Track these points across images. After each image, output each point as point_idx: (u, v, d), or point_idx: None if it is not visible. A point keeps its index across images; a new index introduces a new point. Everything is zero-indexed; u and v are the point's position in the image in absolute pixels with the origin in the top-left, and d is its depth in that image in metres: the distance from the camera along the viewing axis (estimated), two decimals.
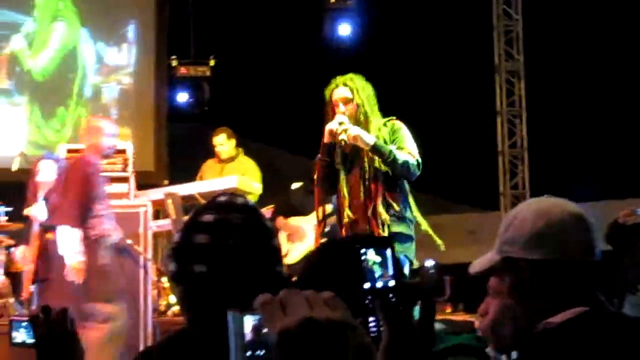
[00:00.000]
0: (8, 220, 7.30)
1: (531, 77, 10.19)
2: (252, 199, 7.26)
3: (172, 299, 7.11)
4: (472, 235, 10.39)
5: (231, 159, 7.75)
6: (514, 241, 1.82)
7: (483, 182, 10.50)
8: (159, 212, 7.23)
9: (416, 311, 1.47)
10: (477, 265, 1.91)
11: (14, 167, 7.50)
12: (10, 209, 7.27)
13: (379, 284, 1.35)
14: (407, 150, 4.65)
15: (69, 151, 7.11)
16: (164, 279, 7.33)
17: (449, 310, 7.42)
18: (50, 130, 10.30)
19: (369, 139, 4.51)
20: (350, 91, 4.70)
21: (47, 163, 5.82)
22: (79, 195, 5.43)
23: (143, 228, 6.66)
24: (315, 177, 4.83)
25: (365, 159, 4.59)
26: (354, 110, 4.66)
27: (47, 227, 5.61)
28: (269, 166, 7.97)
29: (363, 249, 1.36)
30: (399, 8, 10.18)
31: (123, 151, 7.08)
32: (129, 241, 6.62)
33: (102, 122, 5.94)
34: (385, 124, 4.74)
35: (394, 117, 4.81)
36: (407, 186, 4.72)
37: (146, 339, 6.39)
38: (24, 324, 1.84)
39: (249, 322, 1.05)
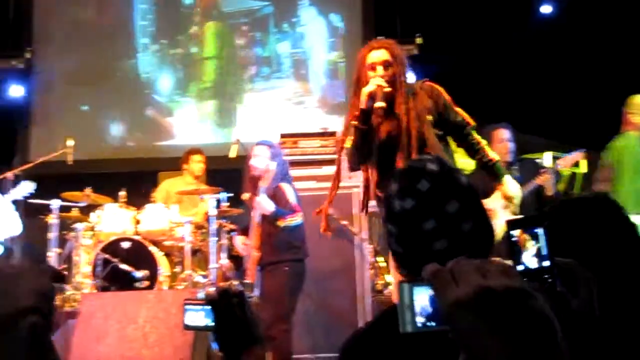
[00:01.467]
0: (229, 206, 7.63)
1: None
2: None
3: (389, 278, 7.13)
4: None
5: None
6: None
7: None
8: None
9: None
10: None
11: (232, 154, 7.81)
12: (230, 194, 7.59)
13: (533, 265, 1.27)
14: (461, 113, 4.43)
15: (283, 136, 7.30)
16: (380, 259, 7.36)
17: None
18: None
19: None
20: (391, 55, 4.38)
21: (261, 148, 5.95)
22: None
23: (357, 209, 6.73)
24: (346, 146, 4.44)
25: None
26: (391, 75, 4.34)
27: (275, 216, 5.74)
28: None
29: (512, 230, 1.30)
30: None
31: (333, 134, 7.18)
32: (344, 222, 6.71)
33: None
34: (423, 87, 4.44)
35: (425, 80, 4.49)
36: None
37: (365, 317, 6.47)
38: (199, 307, 1.82)
39: (420, 293, 1.03)
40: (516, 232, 1.29)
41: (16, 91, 10.32)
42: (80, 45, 10.74)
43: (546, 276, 1.25)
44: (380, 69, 4.32)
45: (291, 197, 5.85)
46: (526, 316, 0.90)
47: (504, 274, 0.94)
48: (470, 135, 4.48)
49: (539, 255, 1.27)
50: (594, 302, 1.42)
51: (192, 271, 7.50)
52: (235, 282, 7.25)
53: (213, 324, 1.77)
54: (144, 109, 10.78)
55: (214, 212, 7.54)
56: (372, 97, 4.22)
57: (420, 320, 1.03)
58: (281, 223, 5.68)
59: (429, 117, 4.33)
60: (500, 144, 6.43)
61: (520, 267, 1.27)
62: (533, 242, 1.28)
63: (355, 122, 4.29)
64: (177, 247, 7.76)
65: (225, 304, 1.76)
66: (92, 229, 7.90)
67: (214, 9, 10.95)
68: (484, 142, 4.52)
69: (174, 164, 8.92)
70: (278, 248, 5.71)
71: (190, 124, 10.72)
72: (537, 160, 7.08)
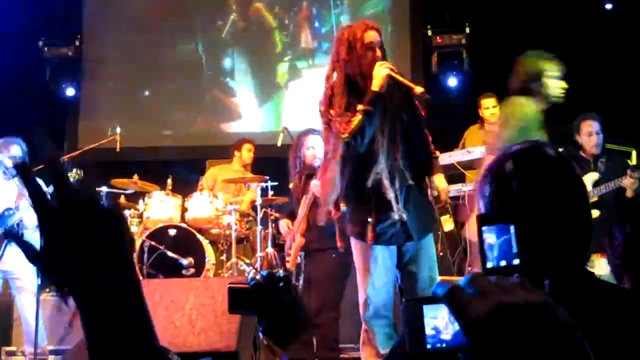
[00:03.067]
0: (274, 194, 7.64)
1: None
2: None
3: None
4: None
5: (494, 125, 7.63)
6: None
7: None
8: None
9: None
10: None
11: (279, 142, 7.81)
12: (275, 183, 7.60)
13: (502, 263, 1.25)
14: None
15: None
16: None
17: None
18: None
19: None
20: (380, 37, 4.25)
21: (316, 139, 5.86)
22: None
23: None
24: (345, 128, 4.18)
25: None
26: (383, 58, 4.20)
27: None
28: None
29: (483, 226, 1.27)
30: None
31: None
32: None
33: None
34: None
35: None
36: None
37: None
38: (244, 291, 1.80)
39: (431, 312, 1.02)
40: (487, 228, 1.27)
41: (66, 79, 10.40)
42: (129, 33, 10.81)
43: (516, 275, 1.23)
44: (378, 50, 4.20)
45: None
46: (550, 331, 0.88)
47: (524, 289, 0.91)
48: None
49: (509, 252, 1.25)
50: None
51: (237, 259, 7.52)
52: (281, 271, 7.26)
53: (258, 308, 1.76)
54: (193, 98, 10.81)
55: (259, 200, 7.56)
56: (392, 77, 4.11)
57: (430, 340, 1.01)
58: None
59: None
60: (588, 137, 6.25)
61: (490, 264, 1.24)
62: (502, 240, 1.26)
63: (366, 107, 4.11)
64: (223, 235, 7.79)
65: (271, 288, 1.75)
66: (139, 216, 7.97)
67: None
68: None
69: (221, 152, 8.96)
70: (325, 235, 5.69)
71: (236, 114, 10.73)
72: (626, 160, 6.81)
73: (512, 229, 1.26)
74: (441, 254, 6.76)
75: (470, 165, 7.18)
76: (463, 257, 6.84)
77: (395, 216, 4.14)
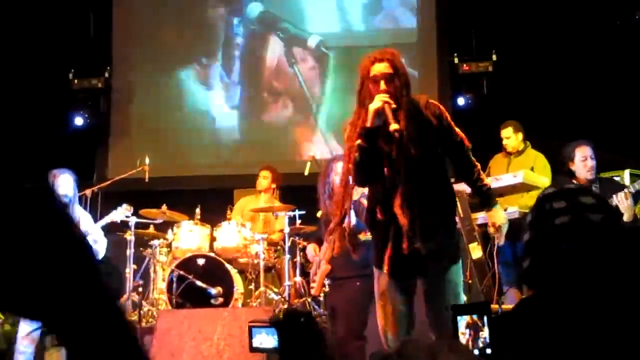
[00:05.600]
0: (301, 223, 7.65)
1: None
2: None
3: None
4: None
5: (518, 153, 7.62)
6: None
7: None
8: None
9: None
10: None
11: (306, 171, 7.83)
12: (303, 212, 7.61)
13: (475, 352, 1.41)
14: (461, 134, 4.25)
15: None
16: None
17: None
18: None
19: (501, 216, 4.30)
20: (393, 68, 4.13)
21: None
22: None
23: None
24: (344, 165, 4.21)
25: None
26: (393, 89, 4.09)
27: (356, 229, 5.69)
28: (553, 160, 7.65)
29: (459, 316, 1.40)
30: None
31: None
32: None
33: None
34: (427, 105, 4.18)
35: (428, 97, 4.25)
36: None
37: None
38: (264, 329, 1.81)
39: None
40: (465, 318, 1.35)
41: (95, 110, 10.52)
42: (157, 63, 10.94)
43: None
44: (382, 83, 4.12)
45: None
46: None
47: (453, 352, 0.92)
48: (468, 157, 4.31)
49: (484, 345, 1.34)
50: None
51: (266, 288, 7.53)
52: (309, 299, 7.25)
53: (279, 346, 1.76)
54: (219, 127, 10.88)
55: (287, 229, 7.57)
56: (378, 114, 4.05)
57: None
58: (362, 237, 5.64)
59: (431, 137, 4.19)
60: (583, 162, 6.31)
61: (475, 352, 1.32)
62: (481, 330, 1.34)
63: (359, 141, 4.07)
64: (251, 264, 7.81)
65: (290, 325, 1.75)
66: (168, 245, 8.02)
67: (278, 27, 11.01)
68: (479, 166, 4.36)
69: (249, 181, 8.99)
70: (351, 262, 5.68)
71: (264, 142, 10.77)
72: (616, 178, 6.90)
73: (485, 319, 1.32)
74: (469, 281, 6.70)
75: (500, 192, 7.13)
76: (492, 285, 6.78)
77: (413, 247, 4.11)
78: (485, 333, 1.34)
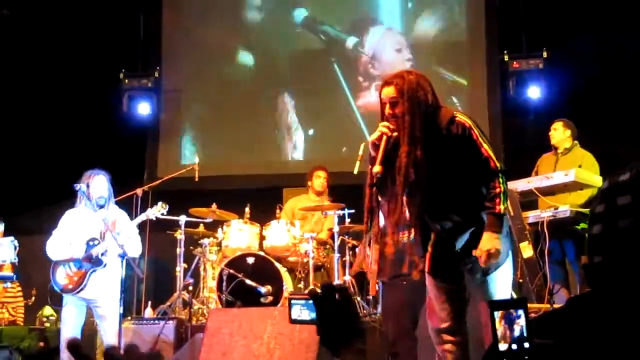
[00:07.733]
0: (351, 222, 7.65)
1: None
2: (592, 192, 6.90)
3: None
4: None
5: (566, 150, 7.51)
6: None
7: None
8: None
9: None
10: None
11: (356, 170, 7.82)
12: (352, 210, 7.61)
13: (514, 346, 1.38)
14: (488, 153, 4.07)
15: None
16: None
17: None
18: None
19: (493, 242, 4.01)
20: (398, 92, 4.05)
21: None
22: None
23: None
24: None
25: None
26: (398, 114, 4.03)
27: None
28: (606, 158, 7.54)
29: (495, 311, 1.40)
30: None
31: None
32: None
33: None
34: (449, 124, 4.05)
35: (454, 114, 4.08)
36: None
37: None
38: (303, 302, 1.93)
39: None
40: (499, 313, 1.36)
41: (145, 109, 10.61)
42: (206, 63, 11.02)
43: (526, 357, 1.31)
44: (387, 107, 4.10)
45: None
46: None
47: None
48: (489, 177, 4.08)
49: (520, 336, 1.34)
50: None
51: (315, 287, 7.54)
52: (358, 298, 7.26)
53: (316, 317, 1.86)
54: (269, 125, 10.91)
55: (337, 228, 7.57)
56: (375, 146, 4.02)
57: None
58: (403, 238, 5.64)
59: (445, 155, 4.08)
60: None
61: (503, 347, 1.33)
62: (515, 323, 1.35)
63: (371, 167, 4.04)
64: (300, 262, 7.84)
65: (327, 298, 1.83)
66: (218, 244, 8.08)
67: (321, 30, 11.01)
68: (502, 189, 4.08)
69: (298, 180, 9.01)
70: (397, 262, 5.67)
71: (313, 140, 10.78)
72: None
73: (522, 313, 1.33)
74: (520, 280, 6.66)
75: (551, 191, 7.06)
76: (543, 284, 6.72)
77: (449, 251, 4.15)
78: (521, 326, 1.35)
